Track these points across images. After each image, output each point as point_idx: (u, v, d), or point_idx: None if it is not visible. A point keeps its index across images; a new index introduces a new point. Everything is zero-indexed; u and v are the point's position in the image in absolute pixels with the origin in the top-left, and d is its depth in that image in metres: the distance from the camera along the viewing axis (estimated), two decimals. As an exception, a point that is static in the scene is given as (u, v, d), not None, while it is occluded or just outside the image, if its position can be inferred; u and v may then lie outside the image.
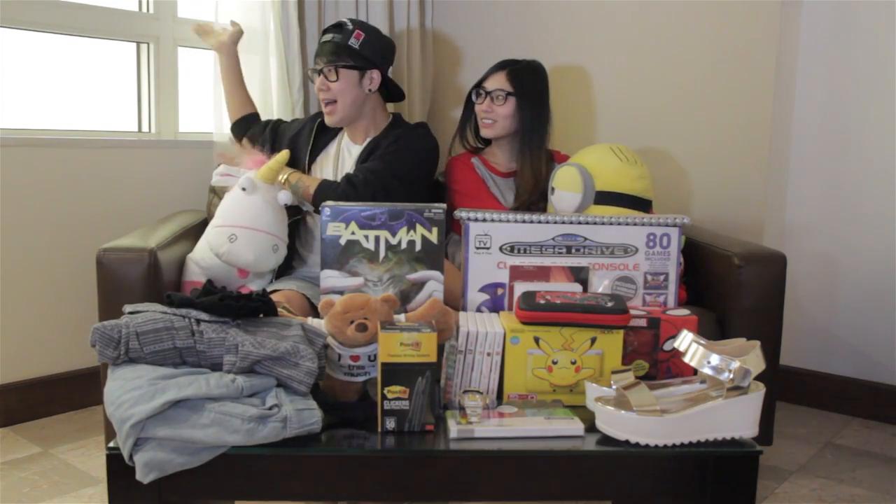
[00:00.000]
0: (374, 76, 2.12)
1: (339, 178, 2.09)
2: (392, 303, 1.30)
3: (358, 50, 2.09)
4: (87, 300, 2.18)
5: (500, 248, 1.50)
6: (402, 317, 1.33)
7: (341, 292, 1.44)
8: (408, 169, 2.07)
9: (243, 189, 1.94)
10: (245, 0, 2.55)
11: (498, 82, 2.14)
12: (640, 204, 2.04)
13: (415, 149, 2.12)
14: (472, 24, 3.15)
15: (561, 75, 2.81)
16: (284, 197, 1.99)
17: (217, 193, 2.33)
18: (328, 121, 2.14)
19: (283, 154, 2.04)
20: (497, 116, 2.13)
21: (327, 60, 2.08)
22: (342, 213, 1.45)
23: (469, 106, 2.24)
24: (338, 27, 2.11)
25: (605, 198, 2.03)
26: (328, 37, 2.11)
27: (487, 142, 2.26)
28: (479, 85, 2.17)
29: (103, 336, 1.19)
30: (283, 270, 2.12)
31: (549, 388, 1.36)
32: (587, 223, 1.53)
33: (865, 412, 2.59)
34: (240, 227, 1.89)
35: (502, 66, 2.16)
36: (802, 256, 2.62)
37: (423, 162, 2.14)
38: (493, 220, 1.50)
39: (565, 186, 1.98)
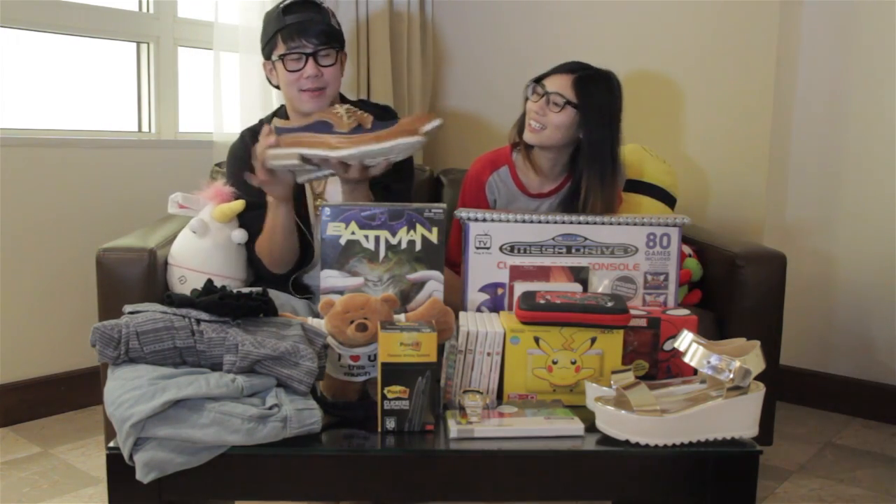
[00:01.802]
0: (343, 59, 1.88)
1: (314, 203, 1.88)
2: (392, 303, 1.30)
3: (339, 31, 1.85)
4: (86, 300, 2.18)
5: (500, 248, 1.50)
6: (402, 317, 1.33)
7: (341, 292, 1.44)
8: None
9: (193, 232, 1.81)
10: (245, 0, 2.55)
11: (560, 85, 1.82)
12: (668, 198, 2.01)
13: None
14: (474, 18, 3.14)
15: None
16: (239, 236, 1.84)
17: None
18: (313, 105, 1.81)
19: (240, 203, 1.83)
20: (548, 123, 1.82)
21: (320, 42, 1.79)
22: (342, 213, 1.45)
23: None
24: (308, 5, 1.83)
25: (634, 186, 2.00)
26: (306, 16, 1.80)
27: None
28: (538, 80, 1.87)
29: (103, 336, 1.19)
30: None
31: (549, 388, 1.36)
32: (587, 223, 1.53)
33: (865, 412, 2.59)
34: (188, 270, 1.81)
35: (569, 68, 1.85)
36: (802, 256, 2.62)
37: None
38: (493, 220, 1.50)
39: None
